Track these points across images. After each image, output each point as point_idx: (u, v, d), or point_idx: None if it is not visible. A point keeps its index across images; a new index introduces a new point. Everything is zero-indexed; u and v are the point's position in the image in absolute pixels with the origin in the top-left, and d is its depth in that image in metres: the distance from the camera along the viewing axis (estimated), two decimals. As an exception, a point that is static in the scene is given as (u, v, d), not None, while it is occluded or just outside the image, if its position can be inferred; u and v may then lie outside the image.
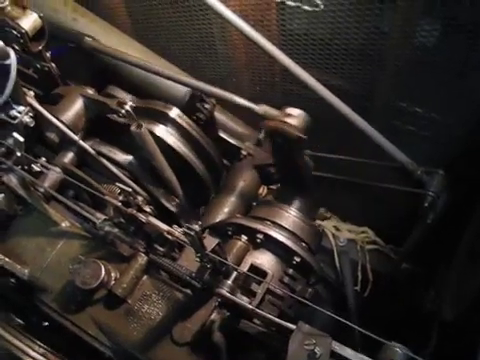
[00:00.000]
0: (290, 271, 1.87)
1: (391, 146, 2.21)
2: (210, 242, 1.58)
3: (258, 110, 2.10)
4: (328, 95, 2.23)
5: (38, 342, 1.81)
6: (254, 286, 1.74)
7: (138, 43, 2.52)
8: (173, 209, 2.05)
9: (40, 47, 2.09)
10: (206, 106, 2.52)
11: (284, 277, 1.86)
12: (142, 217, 1.72)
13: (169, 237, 1.79)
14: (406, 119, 2.66)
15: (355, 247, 2.89)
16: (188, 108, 2.39)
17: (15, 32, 1.95)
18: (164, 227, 1.72)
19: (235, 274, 1.65)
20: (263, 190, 2.63)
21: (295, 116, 2.02)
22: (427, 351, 2.14)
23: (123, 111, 1.95)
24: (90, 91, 2.18)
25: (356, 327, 1.46)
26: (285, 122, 1.96)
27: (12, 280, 1.90)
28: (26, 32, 1.96)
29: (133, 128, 1.93)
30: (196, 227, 1.46)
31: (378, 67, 2.56)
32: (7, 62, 1.68)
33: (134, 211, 1.73)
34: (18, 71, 2.05)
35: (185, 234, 1.51)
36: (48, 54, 2.18)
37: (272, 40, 2.34)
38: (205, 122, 2.52)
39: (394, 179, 2.37)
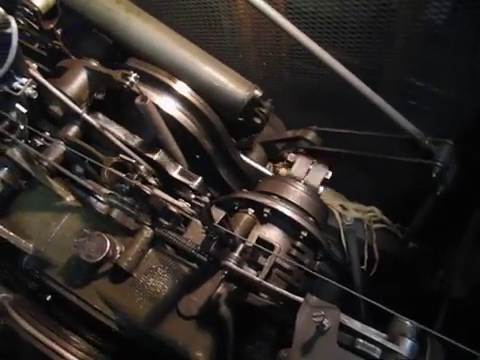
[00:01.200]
0: (298, 244, 1.85)
1: (399, 116, 2.16)
2: (217, 214, 1.56)
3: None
4: (337, 66, 2.18)
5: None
6: (261, 259, 1.72)
7: (196, 46, 2.42)
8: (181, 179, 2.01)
9: (52, 25, 2.05)
10: (263, 110, 2.41)
11: (292, 250, 1.83)
12: (147, 189, 1.69)
13: (174, 210, 1.77)
14: (415, 94, 2.63)
15: (362, 226, 2.87)
16: (246, 113, 2.31)
17: (28, 10, 1.91)
18: (169, 199, 1.69)
19: (242, 246, 1.63)
20: (270, 167, 2.61)
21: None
22: (434, 328, 2.12)
23: (128, 83, 1.91)
24: (94, 63, 2.14)
25: (366, 298, 1.43)
26: None
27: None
28: (39, 10, 1.92)
29: (138, 101, 1.89)
30: (205, 199, 1.44)
31: (387, 41, 2.51)
32: (8, 31, 1.64)
33: (139, 183, 1.70)
34: (23, 47, 2.02)
35: (193, 205, 1.48)
36: (59, 32, 2.14)
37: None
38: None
39: (401, 153, 2.33)
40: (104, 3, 2.26)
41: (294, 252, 1.83)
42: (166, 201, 1.70)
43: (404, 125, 2.14)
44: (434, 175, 2.09)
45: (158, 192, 1.69)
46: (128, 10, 2.29)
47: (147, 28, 2.28)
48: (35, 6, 1.93)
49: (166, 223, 1.82)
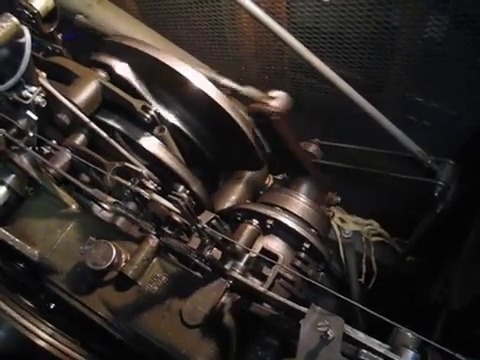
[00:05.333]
0: (302, 255, 1.87)
1: (402, 135, 2.21)
2: (206, 216, 1.57)
3: (242, 91, 2.17)
4: (338, 81, 2.22)
5: (47, 322, 1.80)
6: (265, 270, 1.74)
7: (155, 32, 2.47)
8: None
9: (52, 28, 2.07)
10: None
11: (296, 261, 1.86)
12: (145, 194, 1.70)
13: (172, 216, 1.77)
14: (415, 109, 2.67)
15: (360, 239, 2.89)
16: None
17: (27, 12, 1.92)
18: (167, 204, 1.69)
19: (247, 256, 1.65)
20: (269, 180, 2.63)
21: (277, 97, 2.08)
22: (432, 339, 2.14)
23: (148, 116, 1.95)
24: (103, 74, 2.15)
25: (367, 309, 1.45)
26: (264, 103, 1.99)
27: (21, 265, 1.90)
28: (38, 12, 1.93)
29: (156, 131, 1.93)
30: (183, 195, 1.44)
31: (388, 58, 2.56)
32: (21, 40, 1.67)
33: (138, 188, 1.71)
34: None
35: (173, 202, 1.47)
36: (59, 36, 2.16)
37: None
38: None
39: (403, 170, 2.37)
40: None
41: (298, 263, 1.85)
42: (162, 205, 1.69)
43: (407, 145, 2.18)
44: (436, 194, 2.11)
45: (156, 197, 1.69)
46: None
47: (107, 15, 2.42)
48: (34, 9, 1.93)
49: (170, 232, 1.83)
